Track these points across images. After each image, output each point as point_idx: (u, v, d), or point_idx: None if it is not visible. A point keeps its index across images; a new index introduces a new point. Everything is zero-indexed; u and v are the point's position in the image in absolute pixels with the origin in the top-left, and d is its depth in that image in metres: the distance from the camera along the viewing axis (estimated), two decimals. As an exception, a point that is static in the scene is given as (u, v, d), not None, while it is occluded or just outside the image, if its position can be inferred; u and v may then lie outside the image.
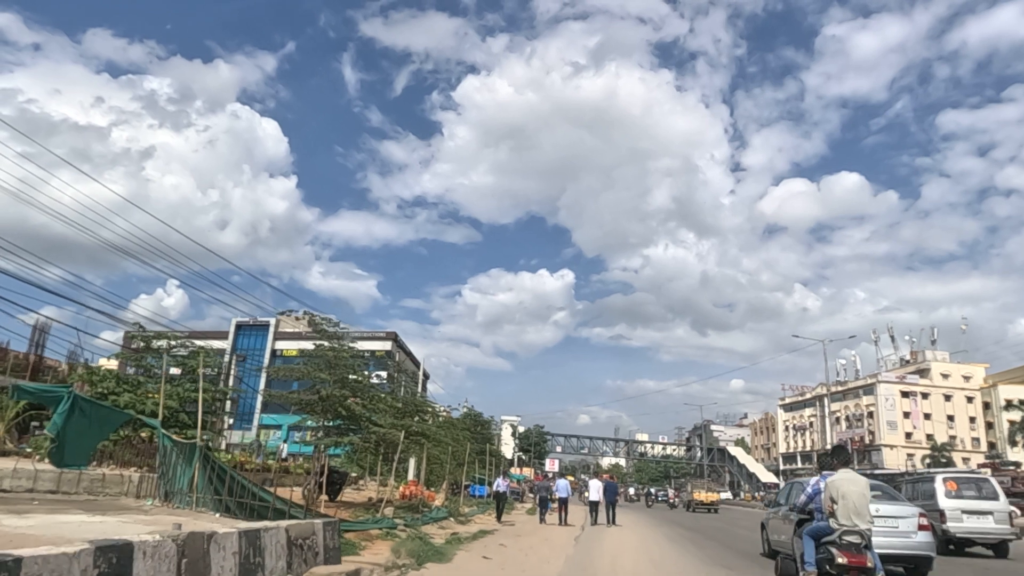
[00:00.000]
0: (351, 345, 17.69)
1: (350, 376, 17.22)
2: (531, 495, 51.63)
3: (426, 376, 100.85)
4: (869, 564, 7.32)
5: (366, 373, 18.75)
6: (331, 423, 18.21)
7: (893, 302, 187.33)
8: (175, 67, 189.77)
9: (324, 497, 19.23)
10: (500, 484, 23.05)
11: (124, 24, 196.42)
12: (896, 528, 11.15)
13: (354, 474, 39.54)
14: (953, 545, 15.55)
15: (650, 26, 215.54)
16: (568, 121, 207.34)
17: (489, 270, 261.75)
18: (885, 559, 8.97)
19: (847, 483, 7.75)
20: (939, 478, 17.11)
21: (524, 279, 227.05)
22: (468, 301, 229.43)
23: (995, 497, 16.10)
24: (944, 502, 15.91)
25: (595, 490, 25.22)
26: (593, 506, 24.86)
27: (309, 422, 17.27)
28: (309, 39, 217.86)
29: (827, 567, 7.43)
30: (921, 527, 11.32)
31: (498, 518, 21.76)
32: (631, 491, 77.75)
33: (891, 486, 15.38)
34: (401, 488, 26.63)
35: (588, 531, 20.85)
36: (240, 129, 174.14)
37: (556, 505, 24.05)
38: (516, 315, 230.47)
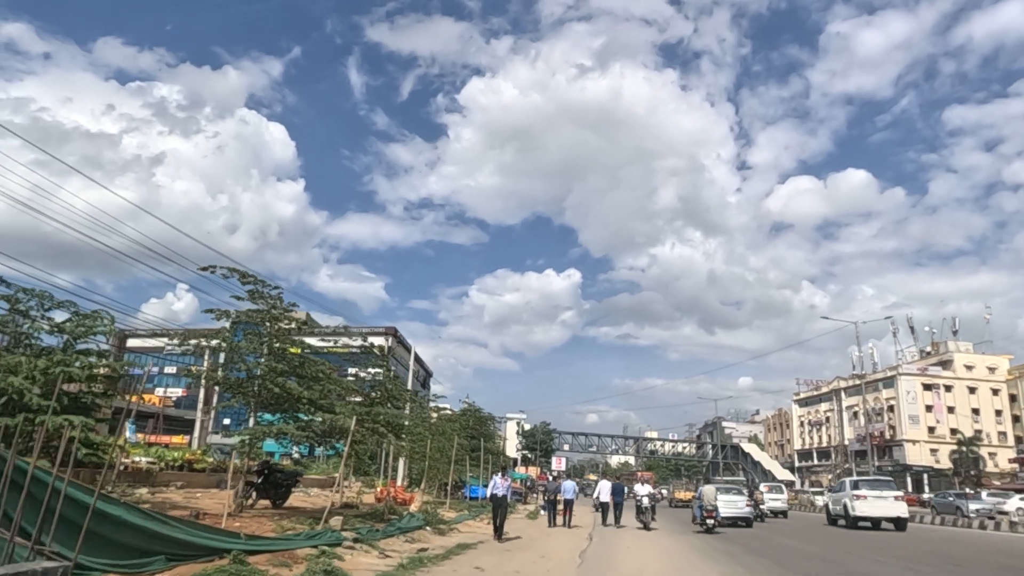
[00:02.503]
0: (290, 313, 13.97)
1: (288, 348, 13.59)
2: (534, 495, 48.36)
3: (429, 374, 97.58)
4: (713, 514, 20.80)
5: (309, 343, 15.08)
6: (277, 413, 14.63)
7: (902, 298, 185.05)
8: (184, 74, 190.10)
9: (266, 503, 15.58)
10: (498, 485, 15.83)
11: (134, 32, 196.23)
12: (738, 505, 24.90)
13: (337, 474, 36.00)
14: (767, 512, 31.41)
15: (655, 27, 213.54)
16: (573, 122, 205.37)
17: (496, 271, 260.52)
18: (734, 519, 24.29)
19: (707, 488, 23.09)
20: (762, 485, 39.41)
21: (531, 279, 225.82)
22: (475, 302, 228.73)
23: (783, 492, 36.73)
24: (764, 493, 34.07)
25: (604, 491, 25.70)
26: (603, 507, 25.28)
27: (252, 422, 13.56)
28: (315, 44, 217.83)
29: (701, 516, 21.04)
30: (748, 505, 25.65)
31: (497, 533, 15.62)
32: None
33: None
34: (377, 490, 23.02)
35: (597, 540, 17.17)
36: (248, 134, 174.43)
37: (562, 507, 23.34)
38: (523, 315, 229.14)
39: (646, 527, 21.73)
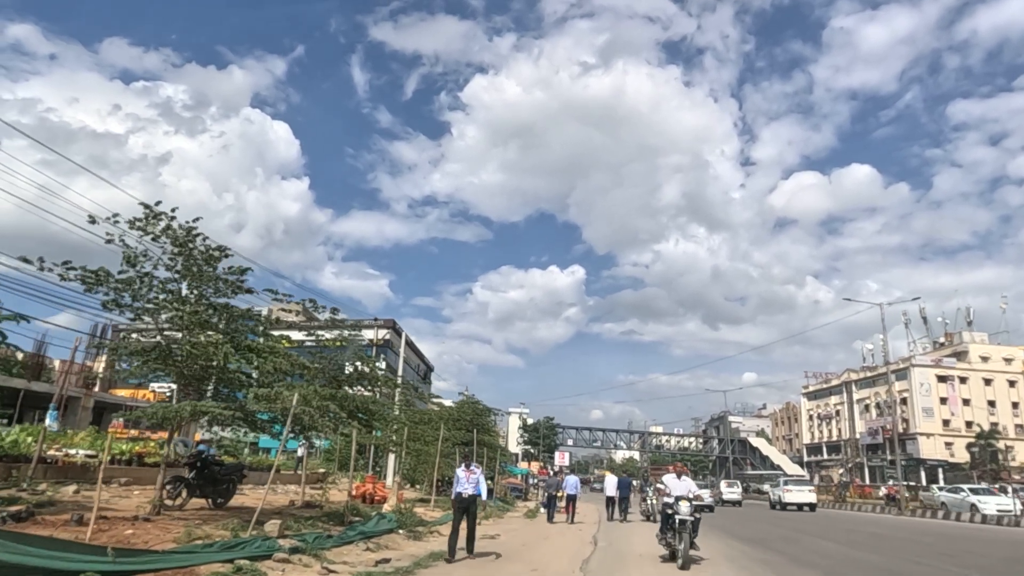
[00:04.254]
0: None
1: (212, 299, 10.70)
2: (534, 490, 45.80)
3: (429, 368, 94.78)
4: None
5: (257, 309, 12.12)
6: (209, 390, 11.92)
7: (906, 293, 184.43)
8: (190, 74, 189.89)
9: (203, 503, 12.91)
10: (463, 481, 11.17)
11: (140, 33, 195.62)
12: (703, 496, 22.83)
13: (322, 470, 33.32)
14: (723, 503, 42.47)
15: (658, 25, 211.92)
16: (577, 119, 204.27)
17: (500, 267, 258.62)
18: (701, 508, 15.71)
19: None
20: (722, 481, 53.26)
21: (535, 276, 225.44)
22: (479, 299, 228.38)
23: (737, 487, 48.07)
24: (722, 487, 47.22)
25: (611, 486, 25.22)
26: (609, 501, 24.93)
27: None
28: (319, 43, 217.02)
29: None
30: (711, 496, 37.66)
31: (450, 550, 10.71)
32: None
33: None
34: (353, 487, 20.34)
35: (603, 547, 14.51)
36: (253, 133, 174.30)
37: (564, 504, 22.79)
38: (527, 312, 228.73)
39: (681, 562, 11.02)
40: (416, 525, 14.45)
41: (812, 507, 36.84)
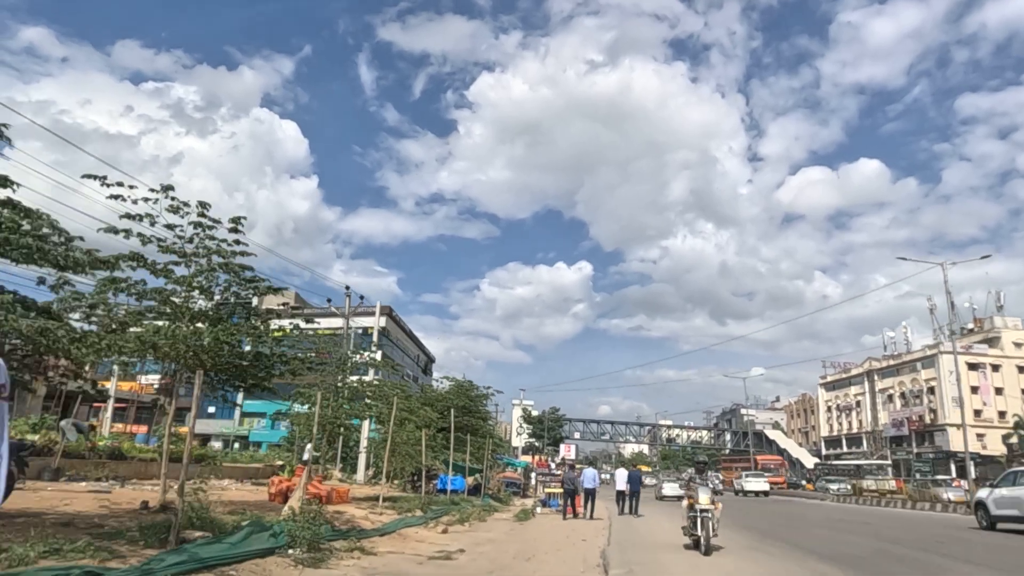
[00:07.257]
0: None
1: None
2: (533, 485, 40.93)
3: (430, 359, 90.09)
4: (664, 492, 37.69)
5: None
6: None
7: (915, 287, 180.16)
8: (200, 75, 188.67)
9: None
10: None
11: (151, 35, 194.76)
12: (678, 489, 35.41)
13: (280, 462, 28.40)
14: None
15: (665, 23, 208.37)
16: (583, 116, 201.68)
17: (507, 264, 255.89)
18: (675, 496, 33.52)
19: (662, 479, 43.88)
20: (711, 474, 69.07)
21: (542, 272, 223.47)
22: (487, 295, 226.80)
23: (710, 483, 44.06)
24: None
25: (621, 480, 24.85)
26: (620, 496, 24.75)
27: None
28: (327, 43, 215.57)
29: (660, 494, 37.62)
30: (682, 488, 34.02)
31: None
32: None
33: None
34: (276, 480, 15.32)
35: (618, 573, 9.52)
36: (262, 132, 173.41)
37: (582, 500, 21.93)
38: (534, 308, 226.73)
39: None
40: (330, 538, 9.40)
41: (766, 494, 45.32)
